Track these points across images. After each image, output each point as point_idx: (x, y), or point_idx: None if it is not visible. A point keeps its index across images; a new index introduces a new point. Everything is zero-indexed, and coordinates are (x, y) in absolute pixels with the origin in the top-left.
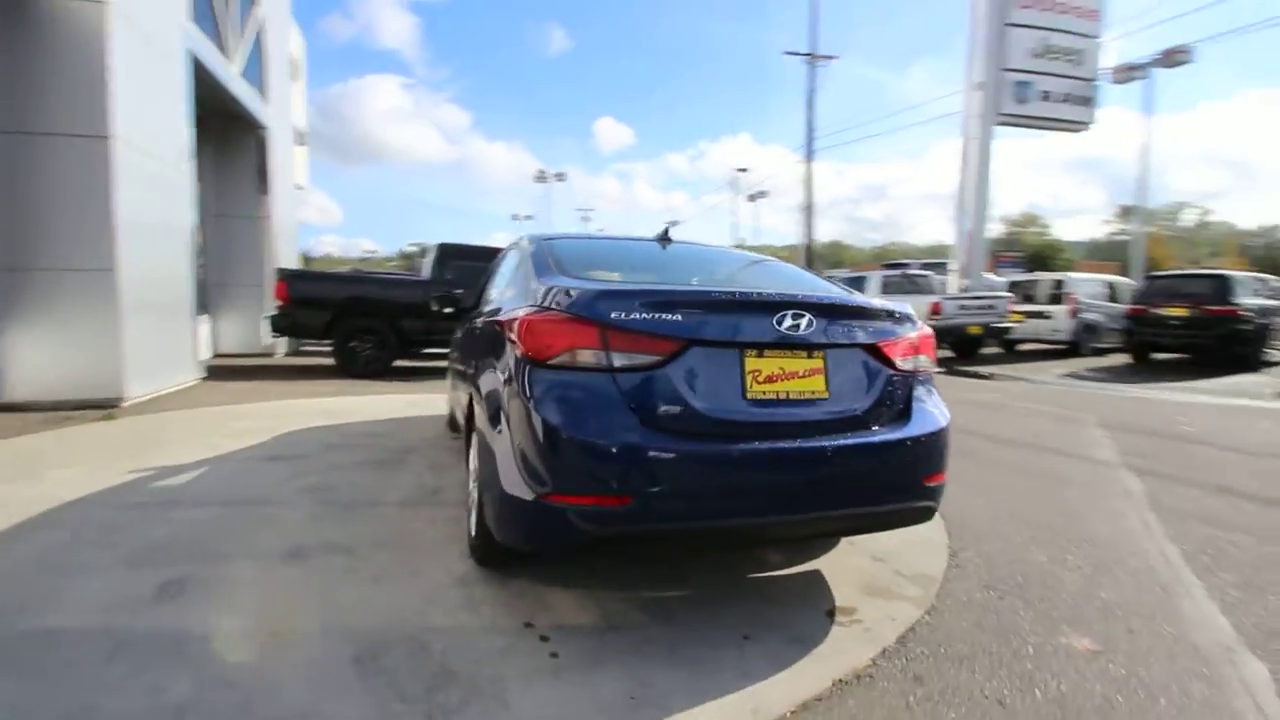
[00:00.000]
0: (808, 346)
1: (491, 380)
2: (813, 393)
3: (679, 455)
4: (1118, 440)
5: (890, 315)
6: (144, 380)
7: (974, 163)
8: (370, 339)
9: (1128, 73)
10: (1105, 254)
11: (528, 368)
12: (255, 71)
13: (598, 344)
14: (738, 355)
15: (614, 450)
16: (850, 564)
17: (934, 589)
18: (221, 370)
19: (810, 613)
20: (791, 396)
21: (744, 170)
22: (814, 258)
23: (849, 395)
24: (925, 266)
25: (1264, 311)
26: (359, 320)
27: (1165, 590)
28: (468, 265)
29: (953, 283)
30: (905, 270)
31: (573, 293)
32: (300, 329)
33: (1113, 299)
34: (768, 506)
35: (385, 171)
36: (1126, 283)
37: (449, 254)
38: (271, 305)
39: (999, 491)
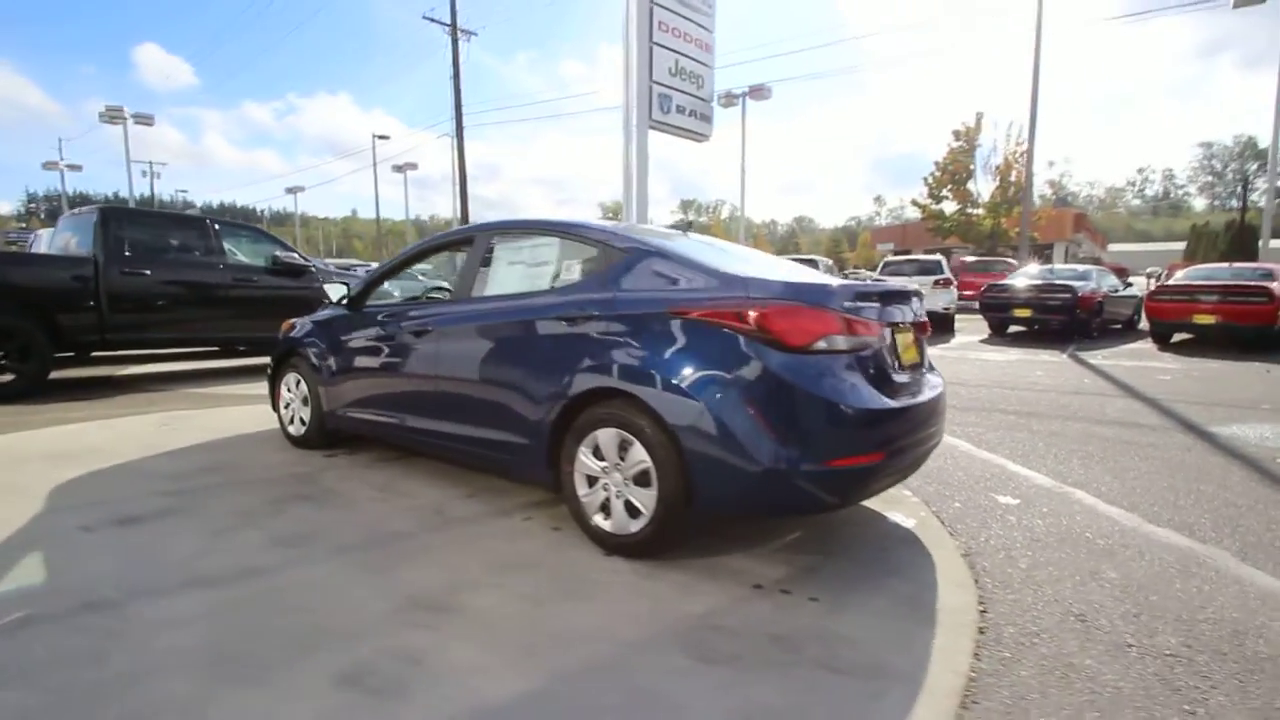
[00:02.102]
0: (912, 324)
1: (691, 368)
2: (914, 358)
3: (901, 413)
4: None
5: (920, 297)
6: None
7: (635, 160)
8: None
9: (728, 99)
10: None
11: (785, 354)
12: None
13: (843, 330)
14: (892, 333)
15: (876, 415)
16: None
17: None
18: None
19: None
20: (908, 362)
21: (384, 138)
22: None
23: (923, 357)
24: None
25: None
26: None
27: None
28: (149, 236)
29: None
30: None
31: (807, 288)
32: None
33: None
34: (925, 441)
35: None
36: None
37: (119, 220)
38: None
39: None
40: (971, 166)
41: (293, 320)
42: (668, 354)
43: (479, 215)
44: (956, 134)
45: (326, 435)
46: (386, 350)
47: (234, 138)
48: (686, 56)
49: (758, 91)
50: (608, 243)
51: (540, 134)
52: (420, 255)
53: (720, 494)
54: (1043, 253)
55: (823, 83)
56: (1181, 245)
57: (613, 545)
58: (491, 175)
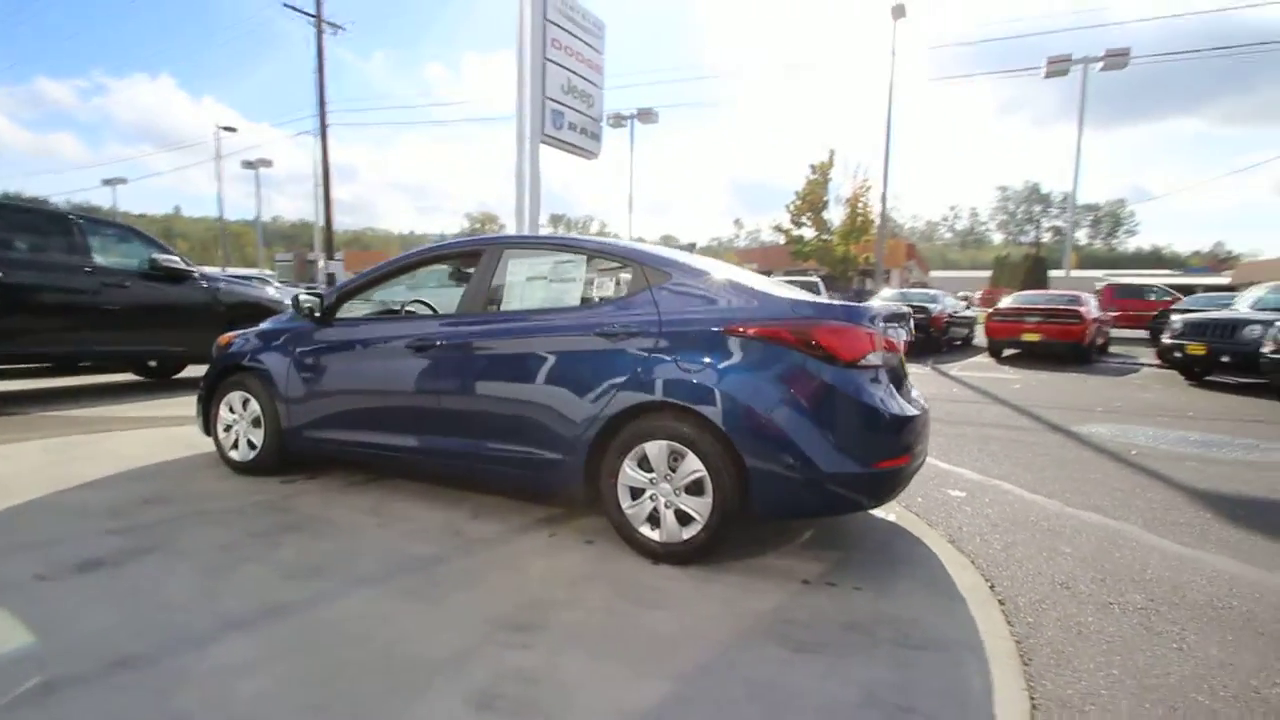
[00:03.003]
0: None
1: (750, 382)
2: (905, 373)
3: (916, 420)
4: None
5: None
6: None
7: (527, 173)
8: None
9: (617, 120)
10: None
11: (839, 368)
12: None
13: (880, 347)
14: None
15: (910, 421)
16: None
17: None
18: None
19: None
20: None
21: (231, 130)
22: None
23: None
24: None
25: None
26: None
27: None
28: (27, 234)
29: None
30: None
31: (854, 310)
32: None
33: None
34: (925, 447)
35: None
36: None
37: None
38: None
39: None
40: (826, 198)
41: (232, 334)
42: (724, 369)
43: (335, 219)
44: (813, 167)
45: (282, 460)
46: (376, 366)
47: (24, 118)
48: (578, 75)
49: (646, 115)
50: (642, 262)
51: (400, 137)
52: (411, 267)
53: (777, 499)
54: (885, 277)
55: (680, 111)
56: (987, 273)
57: (663, 554)
58: (346, 177)
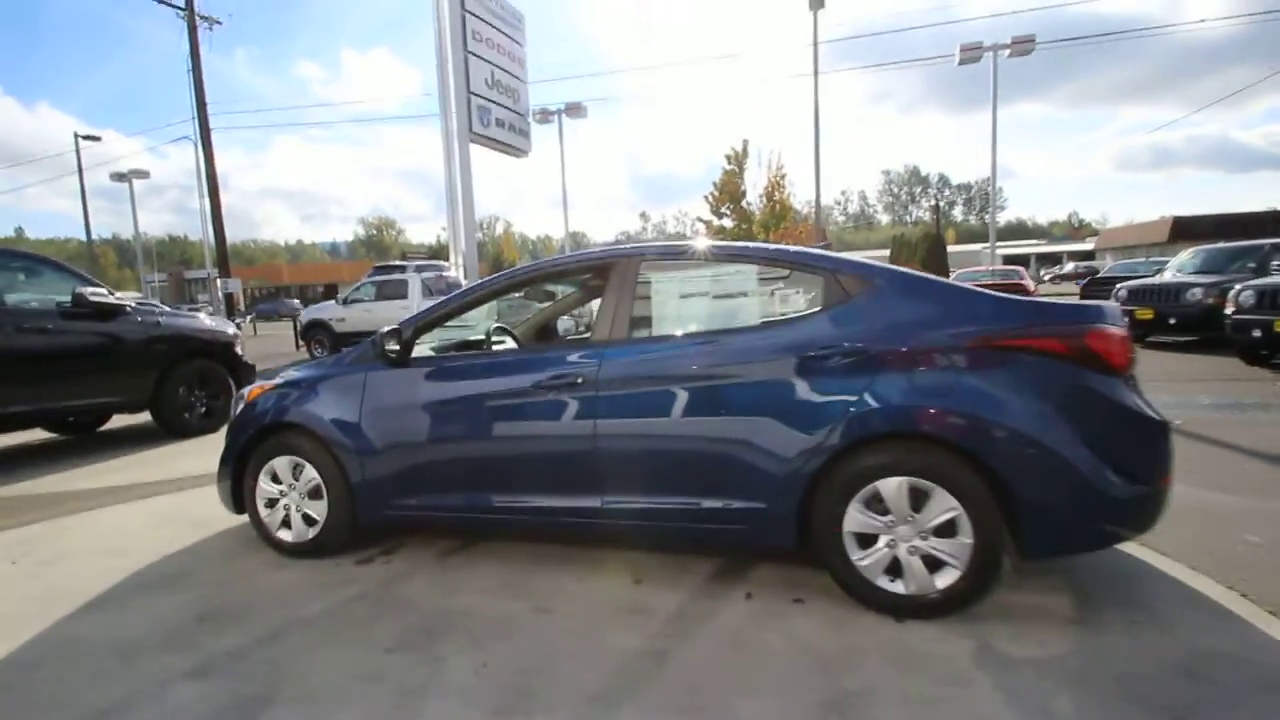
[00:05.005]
0: None
1: (1015, 401)
2: None
3: None
4: None
5: None
6: None
7: (458, 176)
8: None
9: (544, 115)
10: (445, 254)
11: (1113, 378)
12: None
13: (1133, 350)
14: None
15: (1168, 430)
16: None
17: None
18: None
19: None
20: None
21: (94, 139)
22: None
23: None
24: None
25: None
26: None
27: None
28: None
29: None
30: (441, 273)
31: (1109, 310)
32: None
33: None
34: None
35: None
36: None
37: None
38: None
39: None
40: (743, 187)
41: (263, 386)
42: (980, 389)
43: (211, 230)
44: (728, 158)
45: (355, 535)
46: (493, 411)
47: None
48: (501, 69)
49: (575, 109)
50: (836, 269)
51: (273, 141)
52: (513, 288)
53: (1055, 535)
54: None
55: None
56: (884, 252)
57: (910, 608)
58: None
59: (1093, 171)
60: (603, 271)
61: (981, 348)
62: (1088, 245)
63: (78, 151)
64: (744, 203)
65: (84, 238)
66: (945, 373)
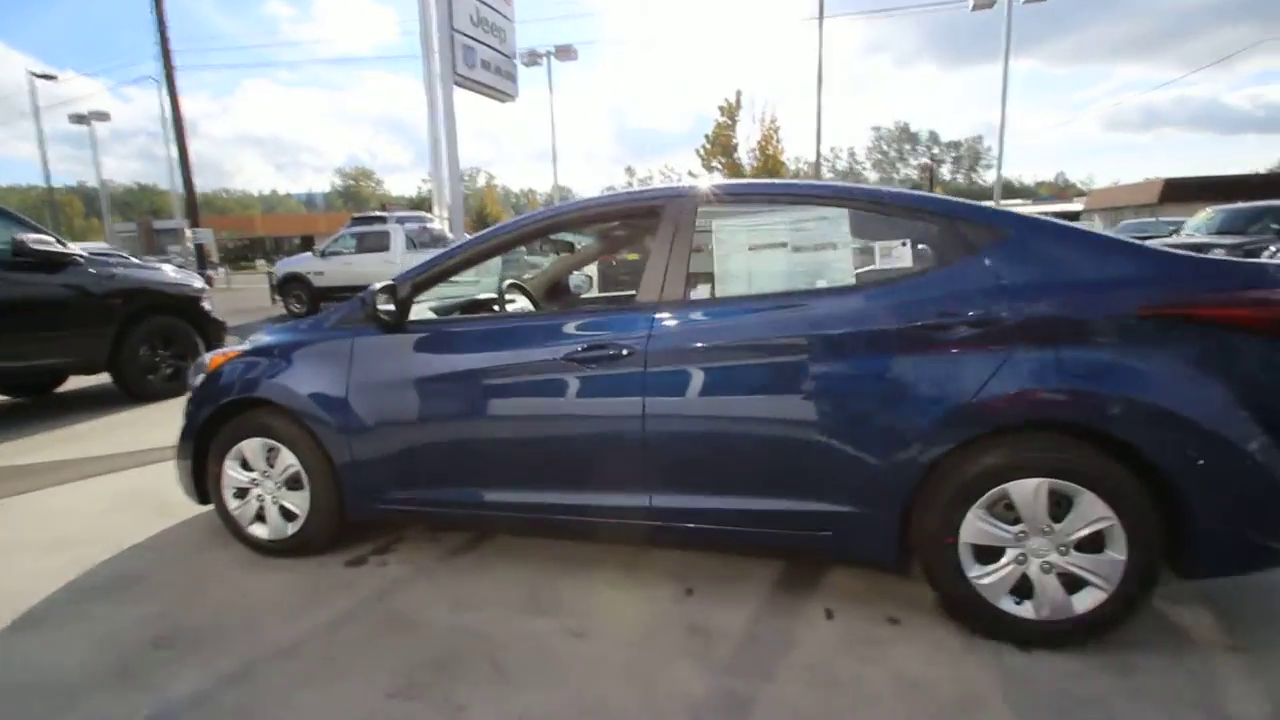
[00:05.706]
0: None
1: (1198, 384)
2: None
3: None
4: None
5: None
6: None
7: (442, 121)
8: None
9: (532, 58)
10: (427, 206)
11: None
12: None
13: None
14: None
15: None
16: None
17: None
18: None
19: None
20: None
21: (49, 78)
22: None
23: None
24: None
25: None
26: None
27: None
28: None
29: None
30: (424, 224)
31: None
32: None
33: None
34: None
35: None
36: None
37: None
38: None
39: None
40: (736, 140)
41: (225, 353)
42: (1145, 369)
43: (179, 178)
44: (721, 109)
45: (343, 530)
46: (511, 389)
47: None
48: (487, 5)
49: (565, 51)
50: (955, 215)
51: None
52: (533, 236)
53: (1230, 549)
54: None
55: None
56: None
57: (1040, 635)
58: (188, 131)
59: (1081, 130)
60: (651, 216)
61: (1152, 317)
62: (1076, 206)
63: (33, 91)
64: (735, 156)
65: (47, 185)
66: (1103, 349)
